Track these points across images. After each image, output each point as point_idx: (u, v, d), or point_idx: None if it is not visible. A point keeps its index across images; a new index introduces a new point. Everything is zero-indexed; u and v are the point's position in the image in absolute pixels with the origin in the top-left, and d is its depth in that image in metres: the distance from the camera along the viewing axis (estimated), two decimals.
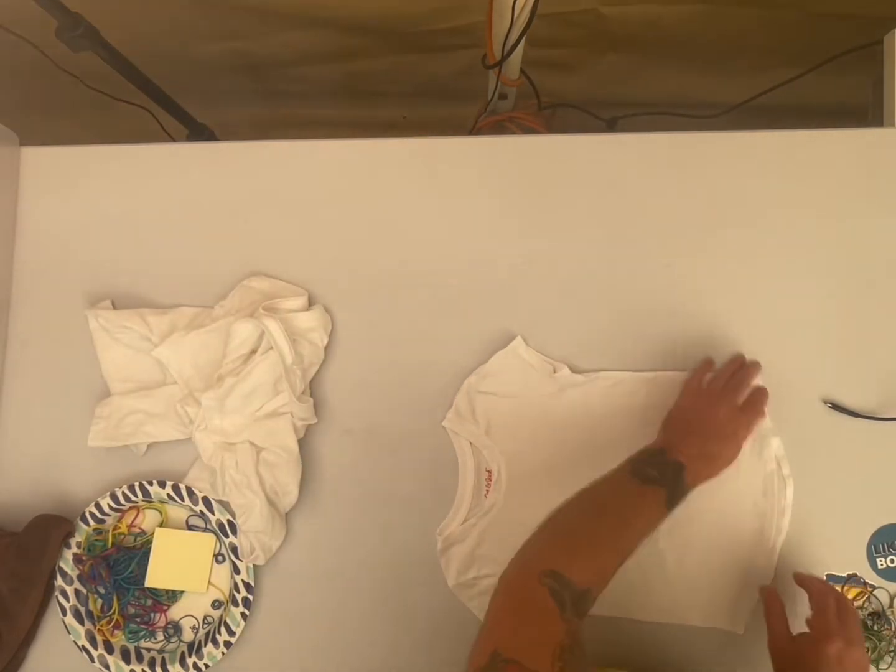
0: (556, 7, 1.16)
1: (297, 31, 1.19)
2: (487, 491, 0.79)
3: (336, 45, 1.24)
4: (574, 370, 0.81)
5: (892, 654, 0.76)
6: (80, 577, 0.78)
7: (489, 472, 0.80)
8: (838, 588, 0.77)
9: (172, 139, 1.22)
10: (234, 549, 0.78)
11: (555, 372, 0.81)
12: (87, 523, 0.79)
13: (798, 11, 1.03)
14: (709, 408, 0.70)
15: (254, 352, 0.79)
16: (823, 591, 0.69)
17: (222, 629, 0.77)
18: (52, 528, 0.77)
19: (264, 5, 1.11)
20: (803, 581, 0.72)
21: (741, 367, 0.75)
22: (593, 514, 0.64)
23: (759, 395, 0.73)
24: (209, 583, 0.79)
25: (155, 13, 0.98)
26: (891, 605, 0.77)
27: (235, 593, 0.77)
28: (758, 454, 0.79)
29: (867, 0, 0.98)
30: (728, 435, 0.69)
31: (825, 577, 0.77)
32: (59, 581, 0.78)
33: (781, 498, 0.78)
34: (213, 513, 0.79)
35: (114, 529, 0.80)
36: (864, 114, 0.97)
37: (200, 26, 1.12)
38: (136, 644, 0.79)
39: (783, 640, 0.67)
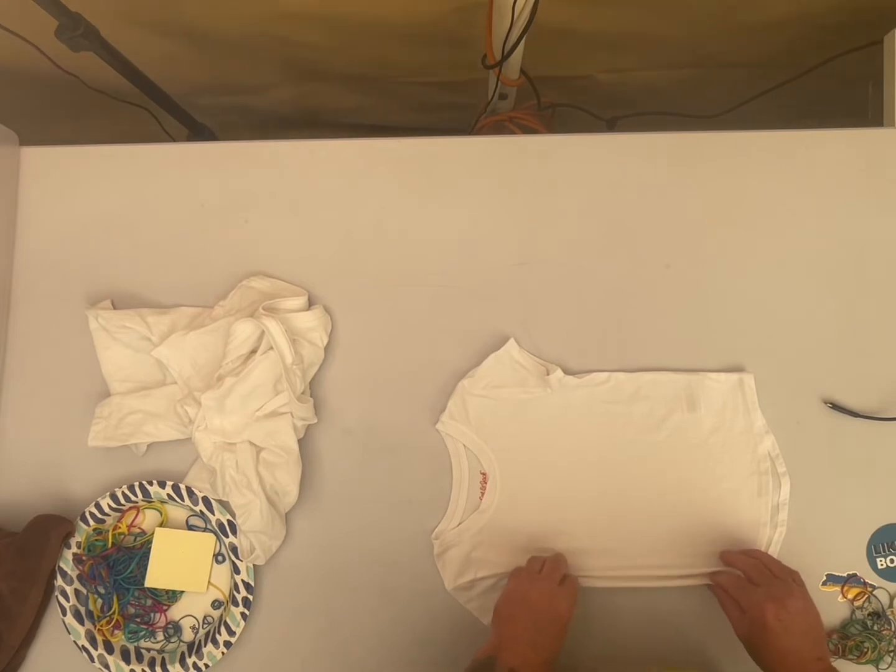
0: (553, 71, 1.18)
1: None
2: (482, 493, 0.79)
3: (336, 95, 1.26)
4: (568, 372, 0.81)
5: (892, 654, 0.76)
6: (80, 577, 0.78)
7: (484, 474, 0.80)
8: (837, 588, 0.77)
9: (172, 139, 1.22)
10: (234, 549, 0.78)
11: (548, 374, 0.81)
12: (87, 523, 0.79)
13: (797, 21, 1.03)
14: (531, 587, 0.70)
15: (254, 352, 0.79)
16: (733, 578, 0.71)
17: (222, 629, 0.77)
18: (52, 528, 0.77)
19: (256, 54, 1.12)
20: (717, 581, 0.73)
21: (550, 557, 0.75)
22: None
23: (572, 581, 0.73)
24: (209, 583, 0.79)
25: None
26: (891, 605, 0.77)
27: (235, 593, 0.77)
28: (752, 453, 0.79)
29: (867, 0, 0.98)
30: (553, 616, 0.68)
31: (825, 578, 0.77)
32: (59, 581, 0.78)
33: (776, 496, 0.78)
34: (213, 513, 0.79)
35: (114, 529, 0.80)
36: (864, 114, 0.98)
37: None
38: (136, 644, 0.79)
39: (739, 624, 0.69)
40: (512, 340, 0.82)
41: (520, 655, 0.65)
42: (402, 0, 0.99)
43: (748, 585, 0.69)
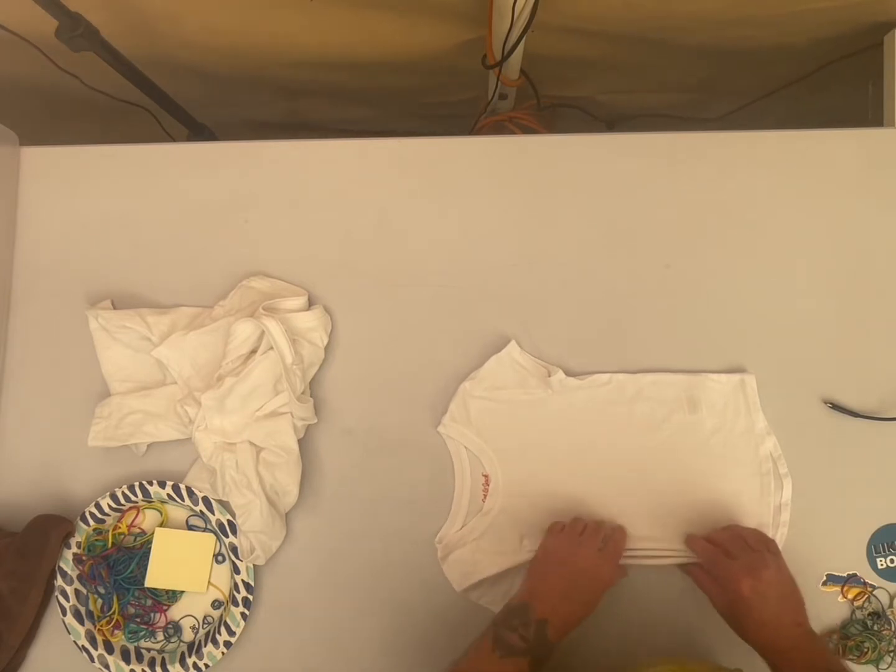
0: (551, 92, 1.18)
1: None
2: (485, 495, 0.79)
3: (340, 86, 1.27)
4: (569, 373, 0.81)
5: (892, 654, 0.76)
6: (80, 577, 0.78)
7: (486, 476, 0.80)
8: (837, 588, 0.77)
9: (172, 139, 1.22)
10: (234, 549, 0.78)
11: (549, 375, 0.81)
12: (87, 523, 0.79)
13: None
14: (571, 548, 0.71)
15: (254, 352, 0.79)
16: (706, 548, 0.72)
17: (222, 629, 0.77)
18: (52, 528, 0.77)
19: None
20: (692, 547, 0.74)
21: (593, 521, 0.75)
22: None
23: (619, 535, 0.73)
24: (209, 583, 0.79)
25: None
26: (891, 605, 0.77)
27: (235, 593, 0.77)
28: (754, 454, 0.79)
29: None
30: (591, 577, 0.69)
31: (825, 578, 0.77)
32: (59, 581, 0.78)
33: (778, 496, 0.78)
34: (213, 513, 0.79)
35: (114, 529, 0.80)
36: (864, 114, 0.98)
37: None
38: (136, 644, 0.79)
39: (718, 598, 0.69)
40: (513, 342, 0.82)
41: (553, 606, 0.66)
42: (403, 39, 1.00)
43: (723, 559, 0.69)
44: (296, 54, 1.03)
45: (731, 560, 0.69)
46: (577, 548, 0.71)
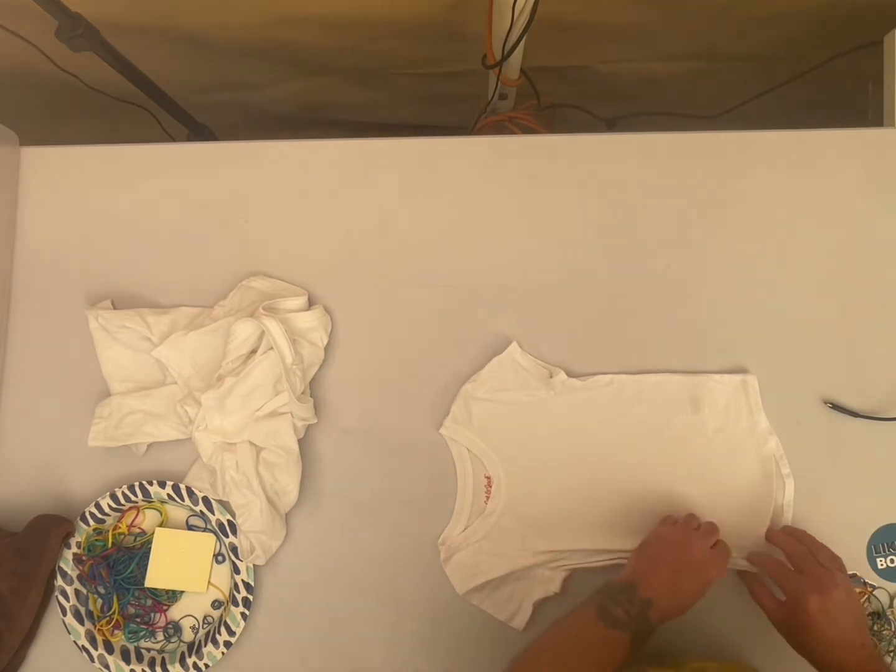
0: (551, 61, 1.18)
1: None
2: (487, 497, 0.79)
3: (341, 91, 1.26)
4: (571, 374, 0.81)
5: (892, 654, 0.76)
6: (80, 577, 0.78)
7: (488, 478, 0.80)
8: None
9: (172, 139, 1.22)
10: (234, 549, 0.78)
11: (551, 377, 0.81)
12: (87, 523, 0.79)
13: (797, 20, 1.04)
14: (685, 539, 0.70)
15: (254, 352, 0.79)
16: (773, 560, 0.71)
17: (222, 629, 0.77)
18: (52, 528, 0.77)
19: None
20: (758, 564, 0.73)
21: (708, 521, 0.74)
22: (557, 667, 0.64)
23: (724, 547, 0.72)
24: (209, 583, 0.79)
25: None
26: (891, 605, 0.77)
27: (235, 593, 0.77)
28: (756, 454, 0.79)
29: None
30: (699, 571, 0.68)
31: None
32: (59, 581, 0.78)
33: (780, 497, 0.78)
34: (213, 513, 0.79)
35: (114, 529, 0.80)
36: (864, 114, 0.98)
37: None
38: (136, 644, 0.79)
39: (777, 612, 0.69)
40: (514, 343, 0.82)
41: (657, 590, 0.65)
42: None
43: (791, 572, 0.68)
44: (297, 12, 1.01)
45: (800, 574, 0.67)
46: (691, 539, 0.70)
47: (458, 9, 1.02)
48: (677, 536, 0.70)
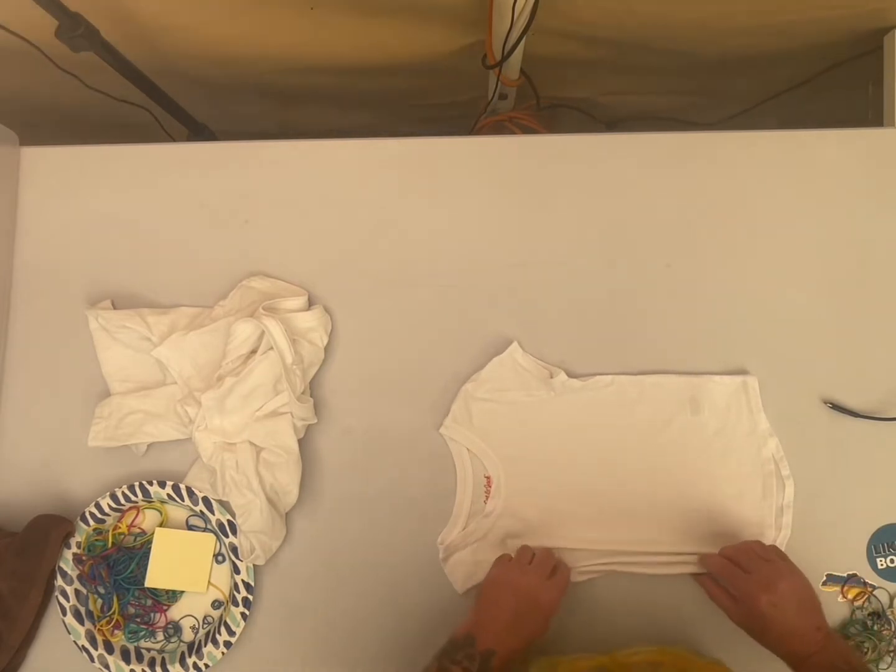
0: (552, 93, 1.18)
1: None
2: (487, 497, 0.79)
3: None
4: (571, 375, 0.81)
5: (892, 654, 0.76)
6: (80, 577, 0.78)
7: (488, 478, 0.80)
8: (837, 588, 0.77)
9: (172, 139, 1.22)
10: (234, 549, 0.78)
11: (551, 377, 0.81)
12: (87, 523, 0.79)
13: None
14: (519, 577, 0.70)
15: (254, 352, 0.79)
16: (720, 563, 0.71)
17: (222, 629, 0.77)
18: (52, 528, 0.77)
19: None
20: (706, 565, 0.74)
21: (539, 551, 0.75)
22: None
23: (564, 569, 0.73)
24: (209, 583, 0.79)
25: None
26: (891, 605, 0.77)
27: (235, 593, 0.77)
28: (756, 455, 0.79)
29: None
30: (539, 605, 0.69)
31: (825, 578, 0.77)
32: (59, 581, 0.78)
33: (780, 498, 0.78)
34: (213, 513, 0.79)
35: (114, 529, 0.80)
36: (864, 114, 0.98)
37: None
38: (136, 644, 0.79)
39: (734, 611, 0.69)
40: (515, 343, 0.82)
41: (498, 637, 0.65)
42: (404, 44, 1.00)
43: (738, 573, 0.69)
44: (298, 61, 1.03)
45: (746, 575, 0.68)
46: (526, 576, 0.70)
47: (461, 53, 1.03)
48: (512, 576, 0.70)
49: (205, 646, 0.77)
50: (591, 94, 1.22)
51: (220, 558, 0.80)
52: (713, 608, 0.72)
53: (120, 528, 0.80)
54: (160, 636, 0.79)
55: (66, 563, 0.78)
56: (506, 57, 0.96)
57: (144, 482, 0.79)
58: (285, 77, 1.08)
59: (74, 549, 0.79)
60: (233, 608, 0.77)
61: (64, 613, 0.77)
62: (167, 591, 0.79)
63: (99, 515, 0.79)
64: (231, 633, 0.76)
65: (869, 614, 0.77)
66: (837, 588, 0.77)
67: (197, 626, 0.79)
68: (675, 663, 0.63)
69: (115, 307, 0.85)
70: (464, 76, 1.12)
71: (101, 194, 0.89)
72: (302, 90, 1.15)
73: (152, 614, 0.79)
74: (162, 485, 0.79)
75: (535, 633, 0.68)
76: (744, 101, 1.16)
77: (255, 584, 0.78)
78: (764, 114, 1.15)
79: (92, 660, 0.77)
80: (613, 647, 0.67)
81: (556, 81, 1.16)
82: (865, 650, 0.75)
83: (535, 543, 0.76)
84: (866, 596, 0.77)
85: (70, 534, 0.78)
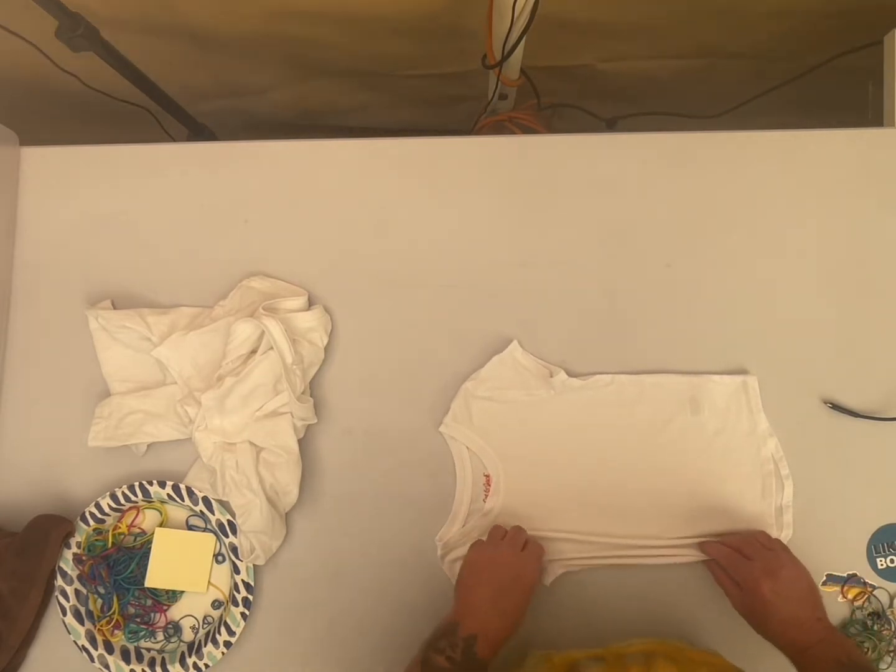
0: (552, 60, 1.17)
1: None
2: (486, 495, 0.79)
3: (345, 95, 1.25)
4: (571, 374, 0.81)
5: (892, 654, 0.76)
6: (80, 577, 0.78)
7: (487, 476, 0.80)
8: (837, 588, 0.77)
9: (172, 139, 1.22)
10: (234, 549, 0.78)
11: (552, 376, 0.81)
12: (87, 523, 0.79)
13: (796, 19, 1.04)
14: (493, 554, 0.71)
15: (254, 352, 0.79)
16: (723, 550, 0.73)
17: (222, 629, 0.77)
18: (52, 528, 0.77)
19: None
20: (709, 552, 0.75)
21: (513, 527, 0.75)
22: None
23: (535, 542, 0.74)
24: (209, 583, 0.79)
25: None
26: (891, 605, 0.77)
27: (235, 593, 0.77)
28: (756, 455, 0.79)
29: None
30: (516, 578, 0.69)
31: (825, 577, 0.77)
32: (59, 581, 0.78)
33: (780, 498, 0.78)
34: (213, 513, 0.79)
35: (114, 529, 0.80)
36: (864, 114, 0.98)
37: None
38: (136, 644, 0.79)
39: (737, 598, 0.70)
40: (515, 342, 0.82)
41: (482, 621, 0.66)
42: None
43: (741, 560, 0.70)
44: (297, 6, 1.00)
45: (749, 562, 0.69)
46: (499, 552, 0.71)
47: (459, 5, 1.02)
48: (486, 555, 0.71)
49: (205, 646, 0.77)
50: (591, 61, 1.21)
51: (220, 558, 0.80)
52: (710, 605, 0.72)
53: (120, 528, 0.80)
54: (160, 636, 0.79)
55: (66, 563, 0.78)
56: (506, 57, 0.96)
57: (144, 482, 0.79)
58: (286, 25, 1.05)
59: (74, 549, 0.79)
60: (233, 608, 0.77)
61: (64, 613, 0.77)
62: (167, 591, 0.79)
63: (99, 515, 0.79)
64: (231, 633, 0.76)
65: (869, 614, 0.77)
66: (837, 588, 0.77)
67: (197, 626, 0.79)
68: (669, 652, 0.63)
69: (115, 307, 0.85)
70: (462, 40, 1.10)
71: (101, 194, 0.89)
72: (305, 45, 1.12)
73: (152, 614, 0.79)
74: (162, 485, 0.79)
75: (519, 607, 0.68)
76: (742, 94, 1.16)
77: (255, 584, 0.78)
78: (763, 113, 1.14)
79: (92, 660, 0.77)
80: (609, 642, 0.67)
81: (555, 48, 1.15)
82: (865, 650, 0.75)
83: (540, 541, 0.76)
84: (866, 596, 0.77)
85: (70, 534, 0.78)
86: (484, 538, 0.75)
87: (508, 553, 0.71)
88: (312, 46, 1.11)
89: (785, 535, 0.77)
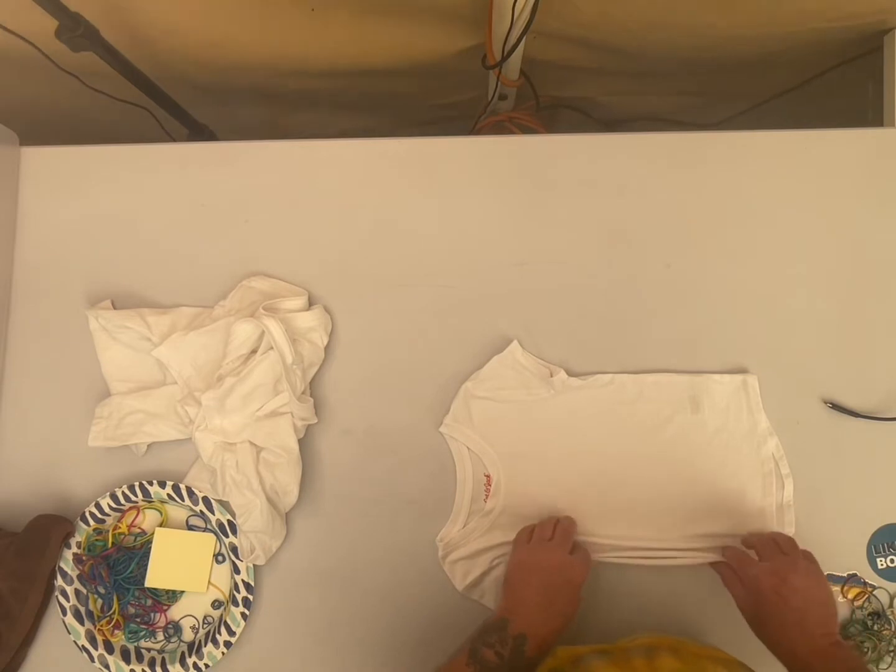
0: (554, 92, 1.19)
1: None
2: (486, 495, 0.79)
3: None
4: (571, 373, 0.81)
5: (892, 654, 0.76)
6: (80, 577, 0.78)
7: (488, 476, 0.80)
8: (837, 588, 0.77)
9: (172, 139, 1.22)
10: (234, 549, 0.78)
11: (552, 376, 0.81)
12: (87, 523, 0.79)
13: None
14: (542, 556, 0.70)
15: (254, 352, 0.79)
16: (734, 550, 0.72)
17: (222, 629, 0.77)
18: (52, 528, 0.77)
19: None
20: (724, 555, 0.73)
21: (560, 521, 0.75)
22: None
23: (583, 550, 0.73)
24: (209, 583, 0.79)
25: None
26: (891, 605, 0.77)
27: (235, 593, 0.77)
28: (756, 454, 0.79)
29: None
30: (566, 582, 0.69)
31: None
32: (59, 581, 0.78)
33: (780, 497, 0.78)
34: (213, 513, 0.79)
35: (114, 529, 0.80)
36: (864, 114, 0.98)
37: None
38: (136, 644, 0.79)
39: (743, 599, 0.69)
40: (515, 342, 0.82)
41: (532, 622, 0.65)
42: (405, 45, 1.00)
43: (750, 560, 0.69)
44: (298, 63, 1.02)
45: (758, 562, 0.69)
46: (549, 553, 0.70)
47: (462, 55, 1.03)
48: (536, 556, 0.70)
49: (205, 646, 0.77)
50: (592, 94, 1.23)
51: (220, 558, 0.80)
52: (715, 606, 0.72)
53: (120, 528, 0.80)
54: (160, 636, 0.79)
55: (66, 563, 0.78)
56: (506, 57, 0.96)
57: (144, 482, 0.79)
58: (285, 80, 1.08)
59: (74, 549, 0.79)
60: (233, 608, 0.77)
61: (64, 613, 0.77)
62: (167, 591, 0.79)
63: (99, 515, 0.79)
64: (231, 633, 0.76)
65: (869, 614, 0.77)
66: (837, 588, 0.77)
67: (197, 626, 0.79)
68: (671, 645, 0.63)
69: (115, 307, 0.85)
70: (464, 76, 1.12)
71: (101, 194, 0.89)
72: (302, 94, 1.15)
73: (152, 614, 0.79)
74: (162, 485, 0.79)
75: (568, 608, 0.67)
76: (744, 102, 1.16)
77: (255, 584, 0.78)
78: (764, 114, 1.15)
79: (92, 660, 0.77)
80: (614, 639, 0.67)
81: (555, 82, 1.16)
82: (865, 650, 0.75)
83: None
84: (866, 596, 0.77)
85: (70, 534, 0.78)
86: (488, 539, 0.74)
87: (559, 556, 0.70)
88: (307, 92, 1.13)
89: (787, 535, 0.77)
